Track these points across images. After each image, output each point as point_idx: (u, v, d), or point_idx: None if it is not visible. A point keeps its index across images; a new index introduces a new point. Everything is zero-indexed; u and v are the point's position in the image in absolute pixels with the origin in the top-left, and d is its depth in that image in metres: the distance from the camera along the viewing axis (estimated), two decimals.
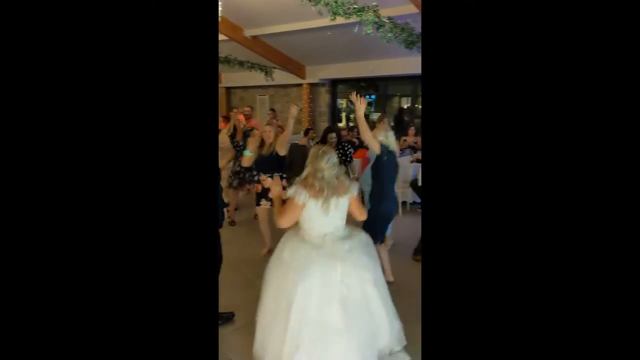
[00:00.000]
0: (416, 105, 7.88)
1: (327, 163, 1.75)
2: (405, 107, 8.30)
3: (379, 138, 2.70)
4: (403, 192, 4.63)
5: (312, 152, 1.86)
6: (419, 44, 4.68)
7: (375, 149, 2.67)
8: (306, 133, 6.00)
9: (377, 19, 3.81)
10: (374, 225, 2.70)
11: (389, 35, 4.12)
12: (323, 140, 4.39)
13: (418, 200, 4.42)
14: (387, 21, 3.96)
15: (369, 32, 3.88)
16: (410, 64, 6.88)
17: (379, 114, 7.66)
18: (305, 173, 1.80)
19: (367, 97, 8.95)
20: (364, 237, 1.91)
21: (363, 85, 8.42)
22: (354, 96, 2.55)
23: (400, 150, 5.42)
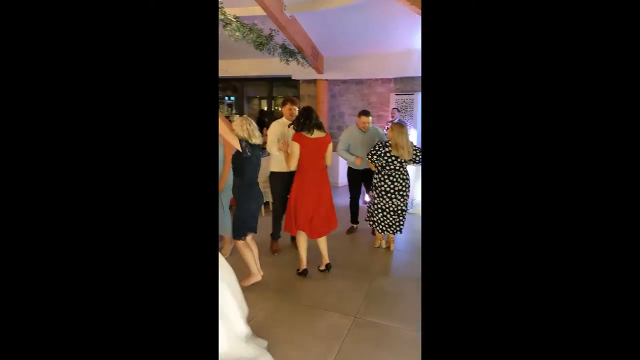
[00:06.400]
0: (276, 108, 8.08)
1: None
2: (265, 109, 8.41)
3: (239, 133, 2.54)
4: (265, 191, 4.65)
5: None
6: (269, 46, 4.78)
7: (234, 144, 2.56)
8: None
9: (222, 16, 3.72)
10: (244, 220, 2.66)
11: (237, 34, 4.08)
12: None
13: None
14: (233, 19, 3.90)
15: None
16: (264, 65, 6.99)
17: (238, 115, 7.52)
18: None
19: (226, 98, 8.73)
20: None
21: (219, 85, 8.17)
22: None
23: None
